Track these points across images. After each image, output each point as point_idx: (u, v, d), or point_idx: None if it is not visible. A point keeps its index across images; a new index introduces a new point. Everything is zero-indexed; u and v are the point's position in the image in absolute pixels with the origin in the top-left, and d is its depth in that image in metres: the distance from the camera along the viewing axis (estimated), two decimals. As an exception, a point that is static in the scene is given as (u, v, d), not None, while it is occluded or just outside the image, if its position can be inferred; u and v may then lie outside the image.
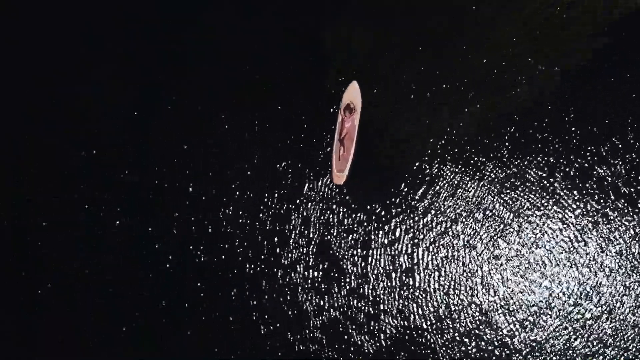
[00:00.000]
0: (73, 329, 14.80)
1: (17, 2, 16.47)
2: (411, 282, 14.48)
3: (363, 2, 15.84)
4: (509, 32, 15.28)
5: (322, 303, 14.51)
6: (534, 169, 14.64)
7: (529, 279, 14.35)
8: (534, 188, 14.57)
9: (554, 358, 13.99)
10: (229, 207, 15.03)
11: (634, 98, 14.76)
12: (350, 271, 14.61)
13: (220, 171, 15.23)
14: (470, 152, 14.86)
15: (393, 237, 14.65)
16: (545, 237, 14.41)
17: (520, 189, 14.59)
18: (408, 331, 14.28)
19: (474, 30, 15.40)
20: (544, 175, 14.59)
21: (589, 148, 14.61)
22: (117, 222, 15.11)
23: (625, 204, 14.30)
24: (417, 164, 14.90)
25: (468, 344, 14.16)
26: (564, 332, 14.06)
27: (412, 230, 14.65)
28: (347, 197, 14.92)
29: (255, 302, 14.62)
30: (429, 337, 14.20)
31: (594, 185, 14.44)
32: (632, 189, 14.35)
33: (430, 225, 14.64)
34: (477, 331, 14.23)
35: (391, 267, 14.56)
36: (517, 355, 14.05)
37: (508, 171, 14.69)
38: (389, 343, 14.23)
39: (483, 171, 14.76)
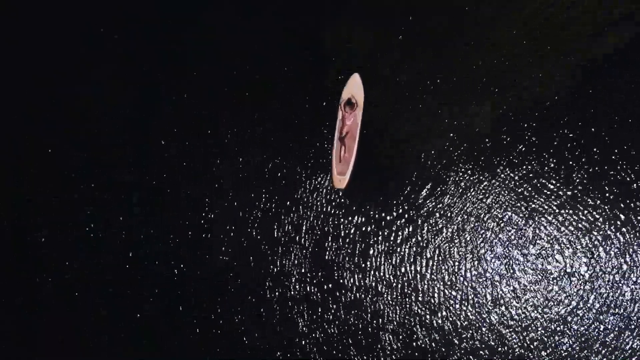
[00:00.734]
0: (73, 329, 14.80)
1: (17, 2, 16.47)
2: (414, 294, 14.25)
3: (363, 2, 15.83)
4: (509, 32, 15.28)
5: (319, 312, 14.54)
6: (542, 171, 14.56)
7: (545, 292, 13.65)
8: (544, 190, 14.54)
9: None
10: (229, 207, 15.03)
11: (634, 98, 14.74)
12: (347, 280, 14.59)
13: (220, 171, 15.22)
14: (471, 152, 14.84)
15: (394, 243, 14.62)
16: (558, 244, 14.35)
17: (527, 191, 14.56)
18: (410, 351, 13.91)
19: (474, 30, 15.39)
20: (556, 176, 14.43)
21: (589, 148, 14.61)
22: (117, 222, 15.12)
23: None
24: (417, 164, 14.88)
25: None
26: (584, 352, 13.43)
27: (415, 235, 14.54)
28: (346, 200, 14.82)
29: (255, 302, 14.62)
30: (436, 356, 13.75)
31: (592, 186, 14.44)
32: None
33: (434, 230, 14.43)
34: (486, 351, 13.74)
35: (392, 277, 14.37)
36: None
37: (517, 171, 14.65)
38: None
39: (488, 172, 14.73)
